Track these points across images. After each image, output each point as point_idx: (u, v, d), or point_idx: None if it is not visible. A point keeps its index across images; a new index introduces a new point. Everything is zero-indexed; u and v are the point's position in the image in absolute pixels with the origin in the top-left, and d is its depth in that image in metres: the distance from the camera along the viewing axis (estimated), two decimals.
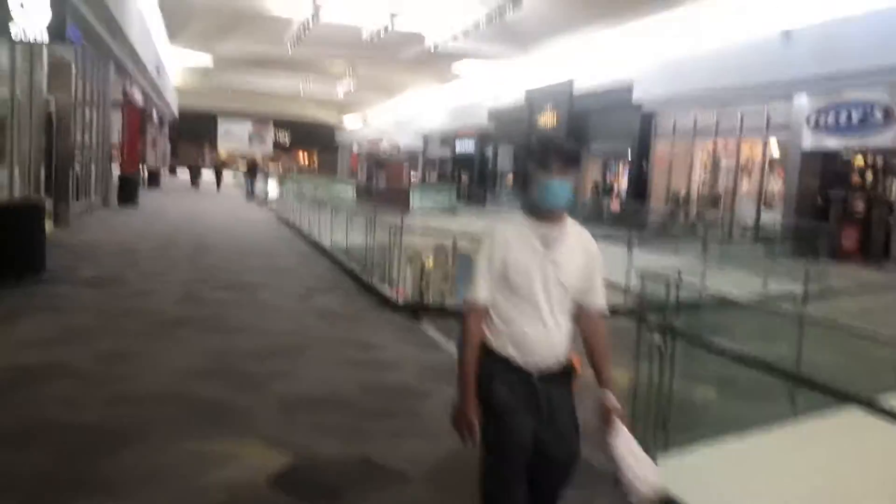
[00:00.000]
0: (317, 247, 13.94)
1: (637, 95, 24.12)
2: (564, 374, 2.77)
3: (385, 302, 8.79)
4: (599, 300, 2.82)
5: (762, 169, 20.37)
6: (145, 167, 34.79)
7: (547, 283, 2.66)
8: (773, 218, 19.07)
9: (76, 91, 16.28)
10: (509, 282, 2.66)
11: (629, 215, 23.51)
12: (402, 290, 11.23)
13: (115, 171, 23.37)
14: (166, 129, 52.55)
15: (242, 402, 5.05)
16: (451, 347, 6.90)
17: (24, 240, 8.41)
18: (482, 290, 2.69)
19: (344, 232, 13.27)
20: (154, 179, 34.33)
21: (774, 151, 19.98)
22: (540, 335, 2.68)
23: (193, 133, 60.42)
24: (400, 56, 33.52)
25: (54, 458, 3.98)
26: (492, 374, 2.70)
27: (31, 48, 11.99)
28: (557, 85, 29.57)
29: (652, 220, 23.08)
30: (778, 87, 18.26)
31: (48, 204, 14.13)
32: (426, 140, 48.05)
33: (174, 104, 47.81)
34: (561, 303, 2.71)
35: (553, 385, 2.73)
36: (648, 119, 24.47)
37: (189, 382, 5.37)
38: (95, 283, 8.87)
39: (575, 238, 2.76)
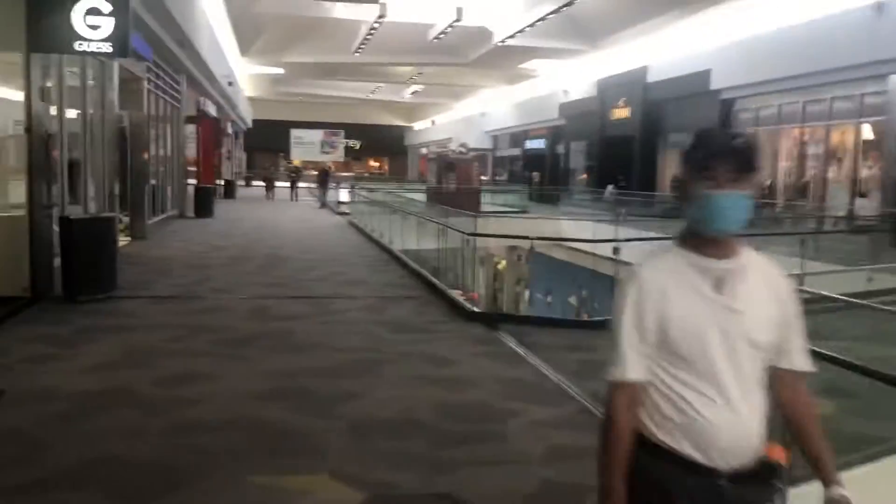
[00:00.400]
0: (388, 252, 13.65)
1: (715, 82, 23.11)
2: (765, 473, 1.92)
3: (459, 311, 8.37)
4: (802, 359, 1.97)
5: (855, 155, 19.14)
6: (221, 179, 35.41)
7: (729, 344, 1.86)
8: (868, 207, 17.87)
9: (149, 106, 16.44)
10: (672, 346, 1.88)
11: None
12: (476, 294, 10.90)
13: (192, 183, 23.71)
14: (241, 140, 53.59)
15: (313, 428, 4.70)
16: (532, 359, 6.44)
17: (95, 257, 8.31)
18: (631, 364, 1.91)
19: (415, 236, 12.98)
20: (230, 191, 34.87)
21: (868, 136, 18.74)
22: (725, 420, 1.85)
23: (267, 143, 61.40)
24: (467, 55, 33.15)
25: (112, 500, 3.68)
26: (659, 482, 1.89)
27: (103, 65, 12.06)
28: (630, 73, 28.67)
29: None
30: (871, 66, 17.07)
31: (125, 219, 14.35)
32: (495, 140, 47.61)
33: (248, 115, 48.67)
34: (751, 369, 1.89)
35: (751, 490, 1.89)
36: (728, 107, 23.39)
37: (256, 407, 5.06)
38: (165, 299, 8.73)
39: (759, 274, 1.94)
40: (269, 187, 35.46)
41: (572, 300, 26.36)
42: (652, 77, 27.53)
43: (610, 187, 28.38)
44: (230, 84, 26.82)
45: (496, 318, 8.10)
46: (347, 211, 23.79)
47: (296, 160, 61.38)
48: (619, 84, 29.82)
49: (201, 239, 15.61)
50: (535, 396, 5.48)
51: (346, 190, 26.72)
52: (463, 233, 9.28)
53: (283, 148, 63.03)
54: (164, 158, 19.24)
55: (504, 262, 33.53)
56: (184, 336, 6.94)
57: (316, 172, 35.19)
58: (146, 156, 15.61)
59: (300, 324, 7.61)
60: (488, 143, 47.02)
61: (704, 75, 23.54)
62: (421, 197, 27.52)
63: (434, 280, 9.97)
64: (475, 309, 8.17)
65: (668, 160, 28.16)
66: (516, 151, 44.12)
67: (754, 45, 21.15)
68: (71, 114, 10.92)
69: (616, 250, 7.99)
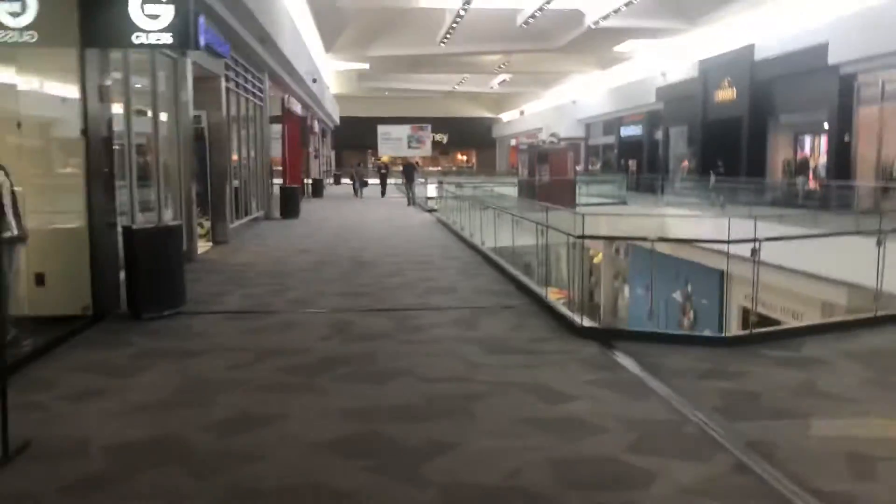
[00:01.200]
0: (479, 253, 12.57)
1: (834, 56, 20.97)
2: None
3: (565, 324, 7.21)
4: None
5: None
6: (309, 178, 35.15)
7: None
8: None
9: (229, 106, 15.87)
10: None
11: (831, 196, 20.55)
12: (570, 293, 9.67)
13: (278, 184, 23.28)
14: (329, 139, 53.60)
15: (393, 498, 3.67)
16: (661, 390, 5.23)
17: (160, 269, 7.55)
18: None
19: (508, 234, 11.84)
20: (317, 189, 34.55)
21: None
22: None
23: (355, 140, 61.42)
24: (557, 41, 31.72)
25: None
26: None
27: (175, 63, 11.44)
28: (735, 52, 26.64)
29: (861, 200, 19.97)
30: None
31: (206, 223, 13.77)
32: (588, 128, 45.89)
33: (334, 112, 48.52)
34: None
35: None
36: (849, 83, 21.21)
37: (325, 464, 4.06)
38: (237, 314, 7.90)
39: None
40: (357, 185, 34.86)
41: (677, 296, 24.81)
42: (760, 54, 25.44)
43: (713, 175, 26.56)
44: (314, 81, 26.30)
45: (610, 334, 6.89)
46: (435, 207, 22.89)
47: (384, 157, 61.25)
48: (723, 64, 27.80)
49: (284, 242, 14.94)
50: (674, 446, 4.29)
51: (434, 185, 25.79)
52: (569, 234, 8.05)
53: (372, 145, 62.92)
54: (248, 159, 18.74)
55: (600, 256, 32.10)
56: (252, 362, 6.04)
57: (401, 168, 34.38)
58: (231, 157, 15.05)
59: (383, 344, 6.61)
60: (580, 131, 45.34)
61: (820, 49, 21.42)
62: (511, 191, 26.33)
63: (533, 286, 8.82)
64: (585, 323, 6.97)
65: (779, 143, 26.06)
66: (610, 139, 42.30)
67: (879, 12, 19.01)
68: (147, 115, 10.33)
69: (755, 251, 6.66)
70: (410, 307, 8.20)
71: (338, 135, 57.86)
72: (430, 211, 23.73)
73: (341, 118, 54.69)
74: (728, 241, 6.68)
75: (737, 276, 21.87)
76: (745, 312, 21.35)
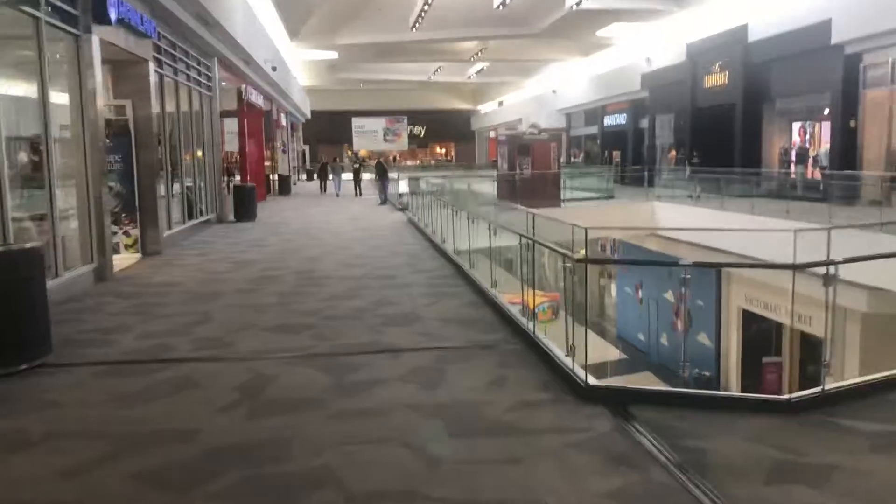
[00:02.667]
0: (451, 263, 10.64)
1: (838, 34, 19.20)
2: None
3: (562, 376, 5.30)
4: None
5: None
6: (275, 174, 33.06)
7: None
8: None
9: (162, 95, 13.82)
10: None
11: (832, 186, 18.81)
12: (557, 294, 7.76)
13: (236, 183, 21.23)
14: (300, 133, 51.42)
15: None
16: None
17: (12, 309, 5.55)
18: None
19: (485, 237, 9.90)
20: (284, 187, 32.49)
21: None
22: None
23: (330, 134, 59.33)
24: (536, 25, 29.81)
25: None
26: None
27: (77, 42, 9.39)
28: (727, 34, 24.82)
29: (866, 190, 18.29)
30: None
31: (134, 232, 11.76)
32: (569, 118, 44.07)
33: (304, 105, 46.36)
34: None
35: None
36: (854, 64, 19.45)
37: None
38: (118, 366, 5.89)
39: None
40: (323, 180, 32.66)
41: (668, 296, 23.05)
42: (754, 35, 23.65)
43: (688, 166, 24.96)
44: (274, 69, 24.21)
45: (625, 395, 4.95)
46: (406, 206, 20.95)
47: (362, 151, 59.13)
48: (714, 47, 25.99)
49: (228, 251, 12.93)
50: None
51: (405, 182, 23.82)
52: (568, 256, 5.83)
53: (347, 139, 60.82)
54: (192, 156, 16.67)
55: (582, 252, 30.55)
56: (100, 461, 4.06)
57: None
58: (162, 154, 13.01)
59: (306, 420, 4.63)
60: (561, 122, 43.50)
61: (823, 27, 19.66)
62: (490, 188, 24.39)
63: (516, 317, 6.90)
64: (590, 380, 5.01)
65: (775, 130, 24.33)
66: (593, 129, 40.47)
67: None
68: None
69: (829, 276, 4.70)
70: (357, 349, 6.23)
71: (311, 129, 55.79)
72: (403, 209, 21.79)
73: (315, 112, 52.54)
74: (794, 266, 4.71)
75: (735, 274, 20.03)
76: (746, 315, 19.67)
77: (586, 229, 5.25)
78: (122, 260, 11.67)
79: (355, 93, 58.56)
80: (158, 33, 13.25)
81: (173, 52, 14.60)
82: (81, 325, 7.18)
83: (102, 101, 9.84)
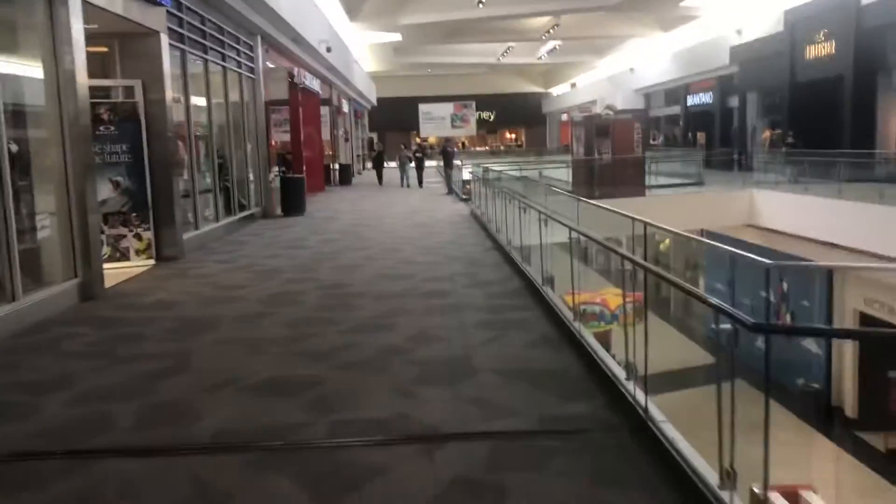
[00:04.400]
0: (521, 277, 8.45)
1: None
2: None
3: (679, 478, 3.11)
4: None
5: None
6: (336, 164, 31.34)
7: None
8: None
9: (185, 76, 12.00)
10: None
11: None
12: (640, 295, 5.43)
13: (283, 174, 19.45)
14: (365, 121, 49.79)
15: None
16: None
17: None
18: None
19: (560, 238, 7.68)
20: (345, 176, 30.71)
21: None
22: None
23: (397, 121, 57.59)
24: None
25: None
26: None
27: (50, 4, 7.55)
28: None
29: None
30: None
31: (147, 234, 9.97)
32: (647, 98, 41.07)
33: (370, 92, 44.62)
34: None
35: None
36: None
37: None
38: (4, 469, 3.93)
39: None
40: (379, 170, 30.32)
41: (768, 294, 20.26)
42: None
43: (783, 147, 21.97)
44: (329, 50, 22.31)
45: None
46: (469, 197, 18.84)
47: (431, 137, 57.19)
48: (817, 13, 22.88)
49: (256, 256, 11.03)
50: None
51: (468, 169, 21.66)
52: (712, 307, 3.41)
53: (415, 125, 58.95)
54: (231, 145, 14.90)
55: (668, 242, 27.65)
56: None
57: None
58: (175, 142, 11.18)
59: None
60: (639, 102, 40.52)
61: None
62: (563, 174, 22.01)
63: (616, 375, 4.68)
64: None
65: (892, 106, 21.18)
66: (675, 110, 37.43)
67: None
68: None
69: None
70: (369, 434, 4.10)
71: (378, 116, 54.17)
72: (466, 200, 19.68)
73: (382, 98, 50.88)
74: None
75: (850, 272, 17.09)
76: (864, 320, 16.85)
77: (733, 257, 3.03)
78: (129, 269, 9.91)
79: (422, 78, 56.73)
80: (178, 2, 11.43)
81: (201, 26, 12.77)
82: (11, 376, 5.31)
83: (86, 78, 7.97)
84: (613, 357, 4.90)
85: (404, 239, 12.50)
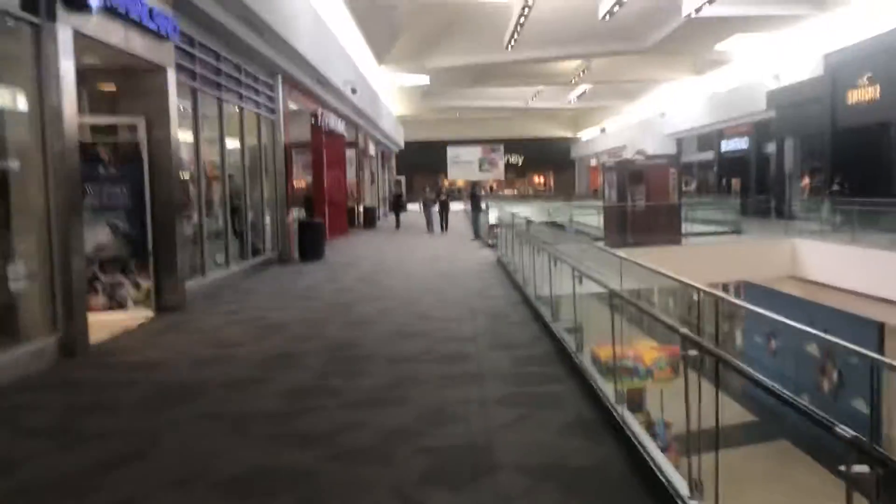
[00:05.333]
0: (551, 338, 7.52)
1: None
2: None
3: None
4: None
5: None
6: (361, 207, 30.73)
7: None
8: None
9: (196, 114, 11.38)
10: None
11: None
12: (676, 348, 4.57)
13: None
14: (392, 163, 49.45)
15: None
16: None
17: None
18: None
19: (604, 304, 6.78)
20: (370, 219, 30.06)
21: None
22: None
23: (426, 164, 57.25)
24: (646, 39, 26.48)
25: None
26: None
27: (37, 35, 6.92)
28: (877, 40, 20.80)
29: None
30: None
31: (147, 283, 9.23)
32: (679, 143, 40.16)
33: (397, 134, 44.30)
34: None
35: None
36: None
37: None
38: None
39: None
40: (397, 213, 29.67)
41: (811, 349, 19.11)
42: None
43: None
44: (354, 92, 21.80)
45: None
46: (494, 243, 18.01)
47: (460, 181, 56.73)
48: (860, 56, 21.95)
49: (264, 306, 10.22)
50: None
51: (495, 213, 20.84)
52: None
53: (443, 168, 58.65)
54: (247, 186, 14.25)
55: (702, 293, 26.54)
56: None
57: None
58: (180, 183, 10.49)
59: None
60: (670, 147, 39.62)
61: None
62: (594, 220, 21.11)
63: (670, 476, 3.74)
64: None
65: None
66: (708, 155, 36.47)
67: None
68: None
69: None
70: None
71: (406, 159, 53.91)
72: (492, 246, 18.84)
73: (410, 142, 50.63)
74: None
75: None
76: None
77: None
78: (124, 320, 9.15)
79: (451, 122, 56.57)
80: (188, 37, 10.86)
81: (215, 63, 12.20)
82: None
83: (75, 116, 7.30)
84: (667, 459, 3.95)
85: (425, 289, 11.64)
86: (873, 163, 21.04)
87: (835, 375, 18.24)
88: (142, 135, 9.63)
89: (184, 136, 11.04)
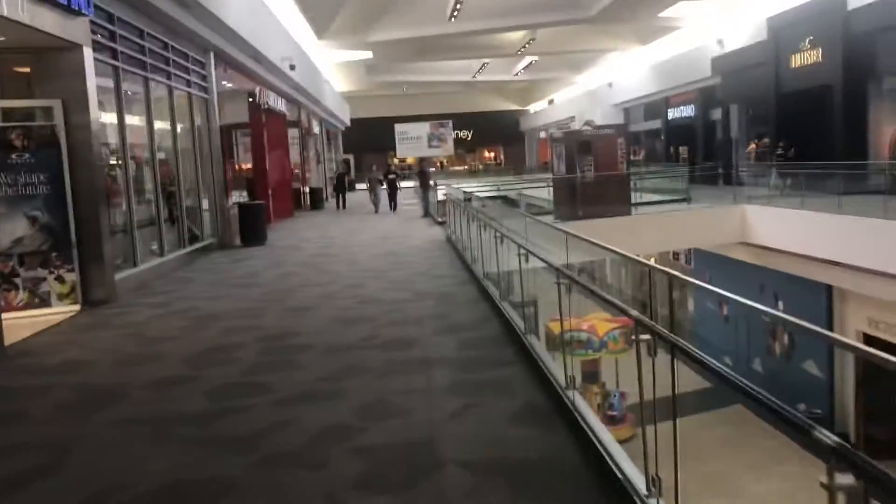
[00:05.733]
0: (500, 319, 7.19)
1: None
2: None
3: None
4: None
5: None
6: (306, 188, 30.04)
7: None
8: None
9: (119, 96, 10.71)
10: None
11: None
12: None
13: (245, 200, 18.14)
14: (339, 142, 48.62)
15: None
16: None
17: None
18: None
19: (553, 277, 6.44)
20: (316, 201, 29.36)
21: None
22: None
23: (373, 142, 56.33)
24: (589, 8, 26.20)
25: None
26: None
27: None
28: (819, 3, 20.84)
29: None
30: None
31: (72, 276, 8.65)
32: (626, 113, 40.20)
33: (343, 113, 43.47)
34: None
35: None
36: None
37: None
38: None
39: None
40: (340, 194, 28.43)
41: (763, 318, 19.28)
42: (855, 1, 19.68)
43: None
44: (293, 68, 21.09)
45: None
46: (445, 219, 17.64)
47: (410, 158, 56.00)
48: (802, 19, 21.98)
49: (199, 296, 9.70)
50: None
51: (441, 190, 20.46)
52: None
53: (392, 146, 57.79)
54: (178, 169, 13.59)
55: (653, 261, 26.65)
56: None
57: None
58: (104, 169, 9.86)
59: None
60: (618, 117, 39.65)
61: None
62: (544, 193, 20.87)
63: (626, 470, 3.42)
64: None
65: (883, 114, 20.26)
66: (655, 124, 36.53)
67: None
68: None
69: None
70: None
71: (354, 137, 53.05)
72: (442, 223, 18.48)
73: (357, 119, 49.78)
74: None
75: (853, 291, 15.94)
76: (868, 342, 15.74)
77: None
78: (49, 316, 8.58)
79: (397, 98, 55.73)
80: (107, 13, 10.17)
81: (139, 40, 11.50)
82: None
83: None
84: (623, 449, 3.64)
85: (372, 271, 11.23)
86: (817, 126, 21.13)
87: (786, 339, 18.44)
88: (59, 118, 8.98)
89: (108, 118, 10.40)
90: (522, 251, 6.01)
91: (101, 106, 9.77)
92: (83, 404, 5.31)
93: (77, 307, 9.05)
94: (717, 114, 29.51)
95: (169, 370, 6.11)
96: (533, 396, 4.89)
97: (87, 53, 9.18)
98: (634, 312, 3.37)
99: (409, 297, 8.86)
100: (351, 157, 54.13)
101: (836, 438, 1.87)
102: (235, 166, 20.90)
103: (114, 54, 10.48)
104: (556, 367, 5.03)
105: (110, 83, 10.51)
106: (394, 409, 4.80)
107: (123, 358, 6.61)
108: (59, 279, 9.03)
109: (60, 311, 8.87)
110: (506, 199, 23.05)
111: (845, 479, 1.74)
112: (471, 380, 5.35)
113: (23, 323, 8.31)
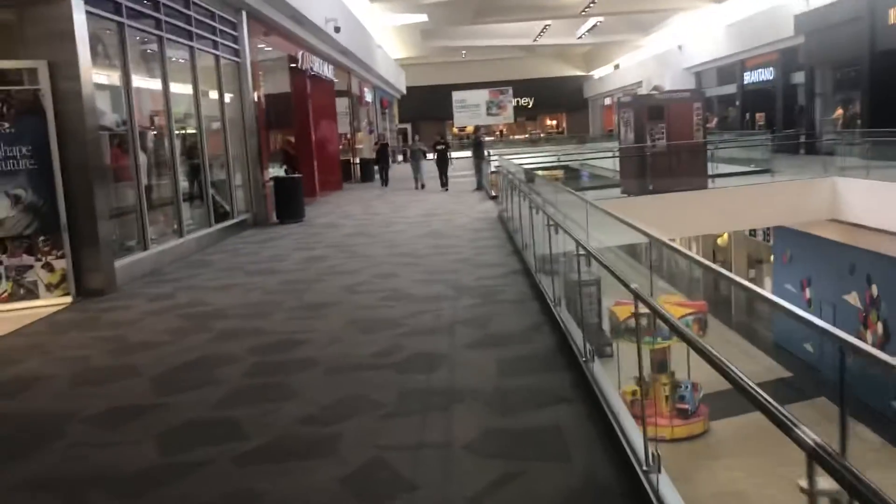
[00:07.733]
0: (554, 328, 5.72)
1: None
2: None
3: None
4: None
5: None
6: (356, 159, 28.74)
7: None
8: None
9: (125, 56, 9.46)
10: None
11: None
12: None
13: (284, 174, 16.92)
14: (394, 111, 47.27)
15: None
16: None
17: None
18: None
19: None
20: (366, 173, 27.97)
21: None
22: None
23: (431, 111, 54.83)
24: None
25: None
26: None
27: None
28: None
29: None
30: None
31: (61, 263, 7.51)
32: (698, 78, 37.73)
33: (398, 80, 42.01)
34: None
35: None
36: None
37: None
38: None
39: None
40: (384, 167, 25.41)
41: (850, 298, 17.43)
42: None
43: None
44: (338, 30, 19.69)
45: None
46: (498, 194, 16.14)
47: (469, 127, 54.33)
48: None
49: (203, 287, 8.45)
50: None
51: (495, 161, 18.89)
52: None
53: (449, 114, 56.13)
54: (219, 141, 12.38)
55: (725, 236, 24.43)
56: None
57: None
58: (97, 143, 8.63)
59: None
60: (689, 82, 37.22)
61: None
62: (609, 164, 19.10)
63: None
64: None
65: None
66: (730, 89, 34.03)
67: None
68: None
69: None
70: None
71: (410, 106, 51.63)
72: (495, 198, 16.97)
73: (413, 87, 48.27)
74: None
75: None
76: None
77: None
78: (38, 309, 7.48)
79: (455, 64, 53.95)
80: None
81: None
82: None
83: None
84: None
85: (407, 256, 9.83)
86: None
87: (879, 328, 16.47)
88: (44, 82, 7.77)
89: (110, 81, 9.20)
90: (580, 251, 4.50)
91: (106, 66, 8.55)
92: (5, 442, 4.07)
93: (69, 299, 7.91)
94: (798, 77, 27.05)
95: (131, 394, 4.84)
96: (595, 465, 3.42)
97: (77, 4, 7.92)
98: (634, 285, 2.15)
99: (444, 292, 7.43)
100: (408, 127, 52.75)
101: (816, 439, 1.60)
102: (268, 137, 19.59)
103: (117, 8, 9.22)
104: (632, 426, 3.51)
105: (114, 42, 9.27)
106: (395, 480, 3.40)
107: (86, 373, 5.37)
108: (48, 266, 7.89)
109: (49, 304, 7.75)
110: (569, 170, 21.39)
111: (827, 483, 1.50)
112: (511, 429, 3.91)
113: (7, 317, 7.25)
